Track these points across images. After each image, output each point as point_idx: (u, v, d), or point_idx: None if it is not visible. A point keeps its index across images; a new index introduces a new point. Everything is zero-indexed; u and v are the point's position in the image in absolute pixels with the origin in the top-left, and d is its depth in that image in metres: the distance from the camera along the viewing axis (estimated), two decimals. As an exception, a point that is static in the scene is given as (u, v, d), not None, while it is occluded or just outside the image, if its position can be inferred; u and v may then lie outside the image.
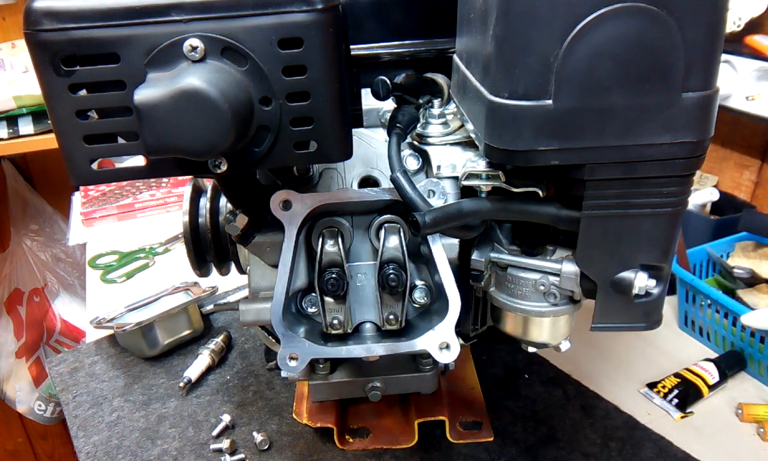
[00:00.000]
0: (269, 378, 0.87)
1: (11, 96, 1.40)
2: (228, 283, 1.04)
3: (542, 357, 0.89)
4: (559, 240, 0.55)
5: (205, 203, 0.67)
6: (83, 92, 0.42)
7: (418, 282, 0.61)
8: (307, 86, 0.43)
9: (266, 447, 0.75)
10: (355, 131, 0.53)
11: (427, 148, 0.59)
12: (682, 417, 0.79)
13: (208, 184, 0.70)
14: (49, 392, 1.79)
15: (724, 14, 0.40)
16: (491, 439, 0.75)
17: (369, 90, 0.58)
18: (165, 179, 1.45)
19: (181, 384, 0.85)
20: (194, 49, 0.41)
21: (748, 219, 1.00)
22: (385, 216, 0.59)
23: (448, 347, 0.54)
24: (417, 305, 0.61)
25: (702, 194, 1.17)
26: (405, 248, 0.58)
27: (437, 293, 0.60)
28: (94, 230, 1.34)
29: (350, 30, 0.51)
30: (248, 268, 0.65)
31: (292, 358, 0.54)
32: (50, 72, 0.41)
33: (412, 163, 0.60)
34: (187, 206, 0.67)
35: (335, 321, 0.59)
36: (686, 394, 0.81)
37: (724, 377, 0.83)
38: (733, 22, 1.10)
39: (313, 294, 0.60)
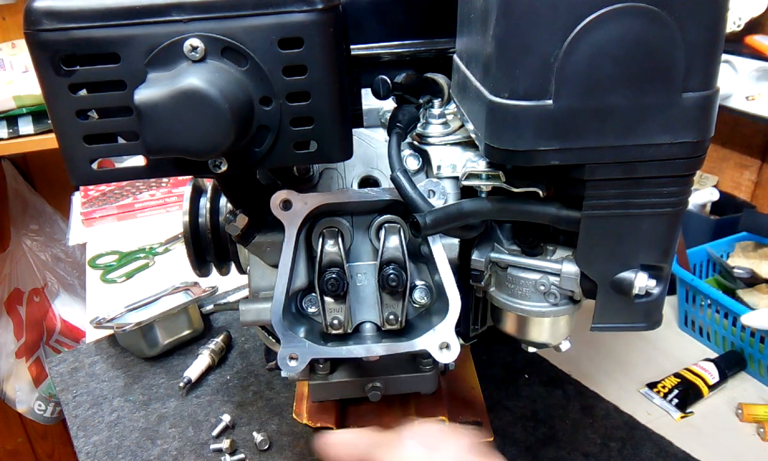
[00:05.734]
0: (269, 378, 0.87)
1: (11, 96, 1.40)
2: (228, 283, 1.04)
3: (542, 357, 0.89)
4: (559, 240, 0.55)
5: (205, 203, 0.67)
6: (83, 92, 0.42)
7: (418, 282, 0.61)
8: (307, 86, 0.43)
9: (266, 447, 0.75)
10: (355, 131, 0.53)
11: (428, 148, 0.59)
12: (682, 417, 0.79)
13: (208, 184, 0.70)
14: (49, 392, 1.79)
15: (724, 14, 0.40)
16: (491, 439, 0.75)
17: (369, 90, 0.58)
18: (165, 179, 1.45)
19: (181, 384, 0.85)
20: (194, 49, 0.41)
21: (748, 219, 1.00)
22: (385, 216, 0.59)
23: (448, 347, 0.54)
24: (417, 305, 0.61)
25: (702, 194, 1.17)
26: (405, 248, 0.58)
27: (437, 293, 0.60)
28: (94, 230, 1.34)
29: (350, 30, 0.51)
30: (248, 268, 0.64)
31: (292, 358, 0.54)
32: (50, 72, 0.41)
33: (412, 163, 0.60)
34: (187, 206, 0.66)
35: (335, 321, 0.59)
36: (686, 394, 0.81)
37: (724, 377, 0.83)
38: (733, 22, 1.10)
39: (313, 294, 0.60)
